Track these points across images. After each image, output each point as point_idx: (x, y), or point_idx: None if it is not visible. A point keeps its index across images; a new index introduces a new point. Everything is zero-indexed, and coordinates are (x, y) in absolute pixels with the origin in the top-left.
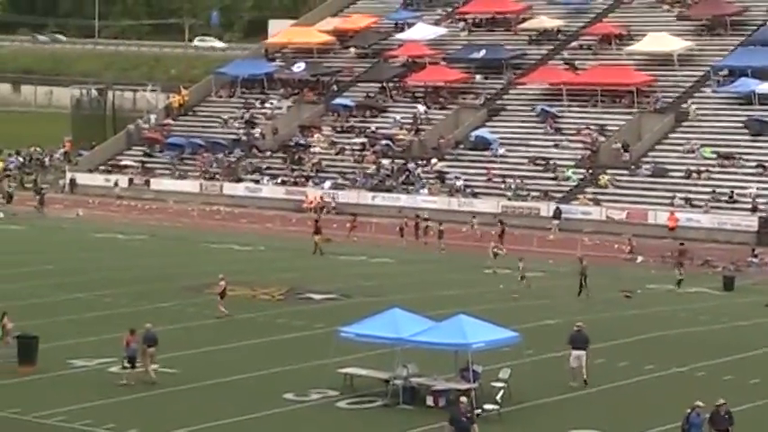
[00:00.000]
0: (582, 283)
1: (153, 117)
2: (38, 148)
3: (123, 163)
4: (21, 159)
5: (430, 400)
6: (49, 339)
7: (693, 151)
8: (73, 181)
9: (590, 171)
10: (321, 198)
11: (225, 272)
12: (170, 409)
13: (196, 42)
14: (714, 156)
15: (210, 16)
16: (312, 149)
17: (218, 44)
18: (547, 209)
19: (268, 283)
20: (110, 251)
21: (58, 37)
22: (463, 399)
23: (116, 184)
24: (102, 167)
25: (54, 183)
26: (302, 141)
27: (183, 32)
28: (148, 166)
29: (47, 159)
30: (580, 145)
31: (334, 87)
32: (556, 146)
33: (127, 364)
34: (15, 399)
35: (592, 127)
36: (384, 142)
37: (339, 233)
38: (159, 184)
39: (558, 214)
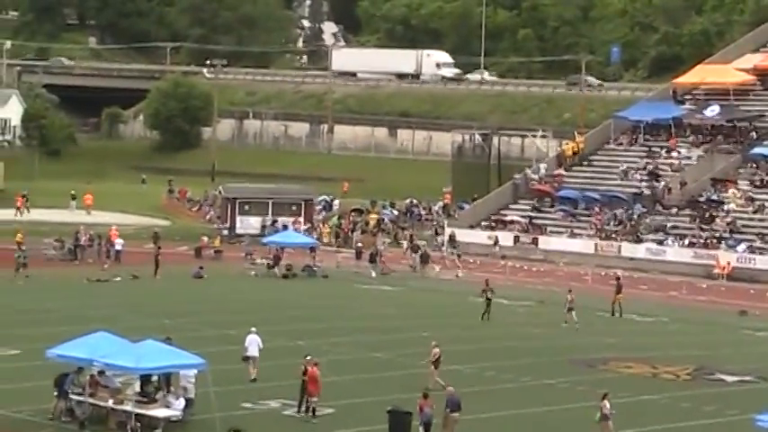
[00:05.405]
0: None
1: (543, 167)
2: (414, 200)
3: (508, 218)
4: (395, 212)
5: None
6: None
7: None
8: (452, 237)
9: None
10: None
11: (623, 345)
12: None
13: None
14: None
15: (611, 52)
16: (726, 206)
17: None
18: None
19: (672, 360)
20: (493, 318)
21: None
22: None
23: (496, 243)
24: (484, 223)
25: (431, 239)
26: (714, 197)
27: (578, 71)
28: (537, 222)
29: (423, 212)
30: None
31: (753, 134)
32: None
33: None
34: None
35: None
36: None
37: (753, 304)
38: (548, 242)
39: None
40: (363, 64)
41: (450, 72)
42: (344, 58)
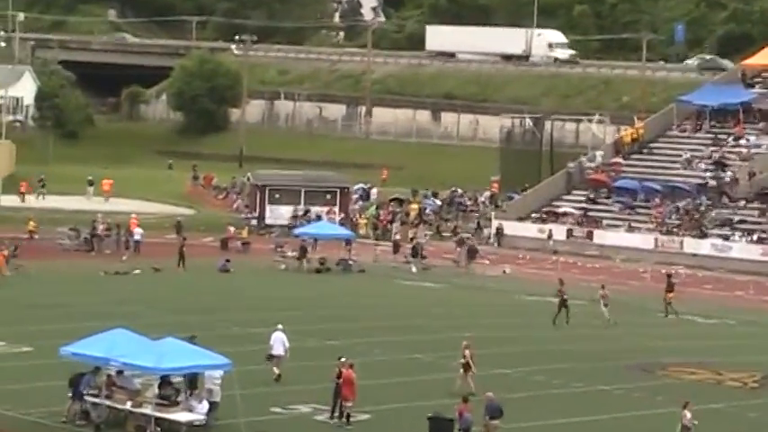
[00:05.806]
0: None
1: (599, 154)
2: (458, 189)
3: (561, 210)
4: (438, 202)
5: None
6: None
7: None
8: (500, 230)
9: None
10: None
11: (684, 349)
12: None
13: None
14: None
15: (674, 30)
16: None
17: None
18: None
19: (738, 365)
20: (538, 318)
21: None
22: None
23: (549, 237)
24: (534, 215)
25: (477, 232)
26: None
27: (639, 51)
28: (592, 214)
29: (469, 203)
30: None
31: None
32: None
33: None
34: None
35: None
36: None
37: None
38: (604, 237)
39: None
40: (464, 44)
41: (564, 53)
42: (442, 36)
